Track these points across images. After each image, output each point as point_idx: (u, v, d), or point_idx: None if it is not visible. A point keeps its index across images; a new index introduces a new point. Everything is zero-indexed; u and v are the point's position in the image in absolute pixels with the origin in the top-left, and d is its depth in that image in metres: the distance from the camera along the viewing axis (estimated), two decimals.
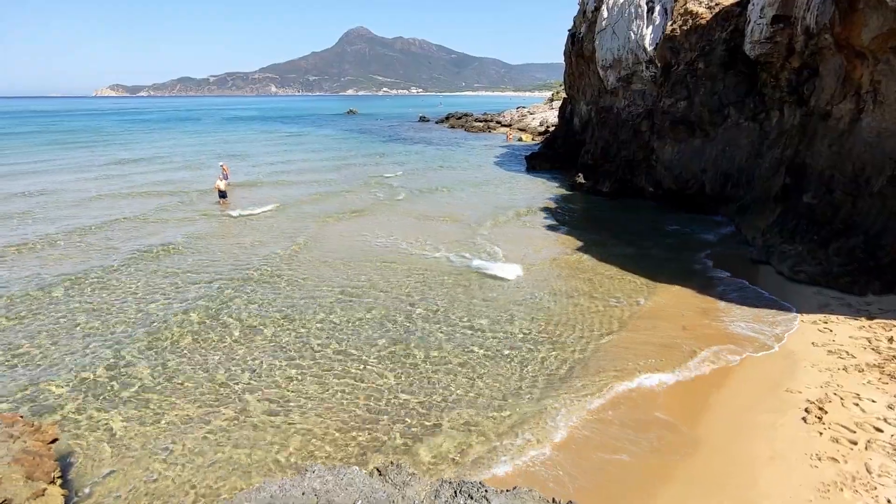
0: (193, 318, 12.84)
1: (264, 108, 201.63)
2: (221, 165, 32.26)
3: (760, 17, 19.86)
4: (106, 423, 8.82)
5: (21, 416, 7.89)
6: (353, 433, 8.58)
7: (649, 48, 27.15)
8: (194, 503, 7.13)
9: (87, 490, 7.37)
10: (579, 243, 19.13)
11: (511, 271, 16.11)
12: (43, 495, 6.17)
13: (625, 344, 11.53)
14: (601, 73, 32.46)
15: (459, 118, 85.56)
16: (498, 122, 74.32)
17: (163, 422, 8.89)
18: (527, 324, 12.60)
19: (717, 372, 10.22)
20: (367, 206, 25.72)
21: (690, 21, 24.50)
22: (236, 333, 12.12)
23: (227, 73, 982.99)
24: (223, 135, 72.11)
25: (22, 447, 6.81)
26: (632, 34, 28.38)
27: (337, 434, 8.56)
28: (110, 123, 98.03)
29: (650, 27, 27.42)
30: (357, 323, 12.68)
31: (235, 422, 8.88)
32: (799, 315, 12.56)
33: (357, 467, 5.16)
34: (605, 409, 9.10)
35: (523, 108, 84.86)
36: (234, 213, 24.21)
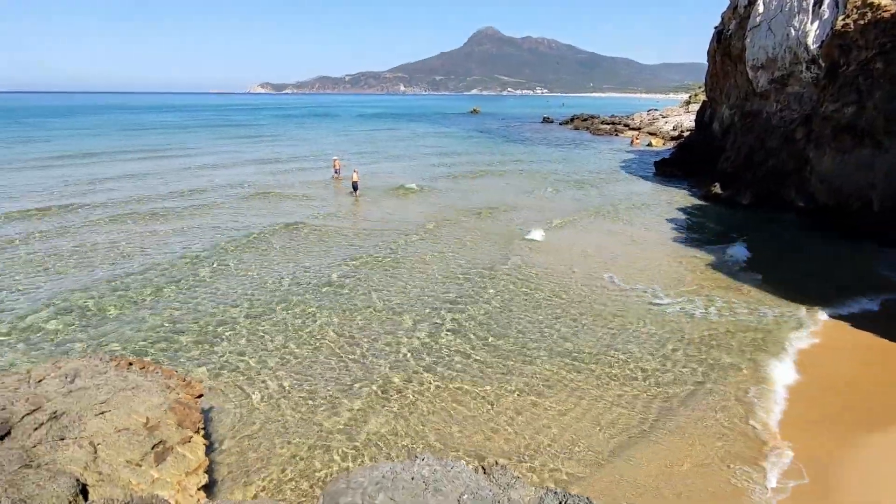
0: (343, 291, 14.34)
1: (392, 105, 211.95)
2: (334, 160, 34.34)
3: None
4: (245, 386, 9.81)
5: (176, 371, 9.03)
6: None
7: (813, 46, 24.11)
8: (315, 471, 7.66)
9: (224, 442, 8.25)
10: (711, 258, 17.56)
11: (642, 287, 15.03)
12: (189, 441, 6.99)
13: None
14: (750, 73, 29.49)
15: (585, 120, 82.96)
16: (626, 126, 70.91)
17: (301, 389, 9.67)
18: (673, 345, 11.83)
19: None
20: (477, 207, 25.38)
21: (869, 14, 21.30)
22: (380, 313, 12.83)
23: (360, 73, 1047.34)
24: (355, 133, 76.87)
25: (175, 398, 7.77)
26: (792, 30, 25.40)
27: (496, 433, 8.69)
28: (264, 118, 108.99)
29: (816, 22, 24.33)
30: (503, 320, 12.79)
31: (375, 396, 9.39)
32: None
33: (464, 462, 5.18)
34: None
35: (655, 110, 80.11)
36: (417, 187, 28.13)
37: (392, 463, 4.37)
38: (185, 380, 8.80)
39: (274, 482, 7.49)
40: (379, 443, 8.31)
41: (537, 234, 20.21)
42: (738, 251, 18.41)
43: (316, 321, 12.43)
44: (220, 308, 13.18)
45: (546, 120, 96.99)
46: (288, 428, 8.64)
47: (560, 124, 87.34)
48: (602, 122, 78.00)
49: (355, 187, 27.66)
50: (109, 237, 18.86)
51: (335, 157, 34.61)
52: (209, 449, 7.63)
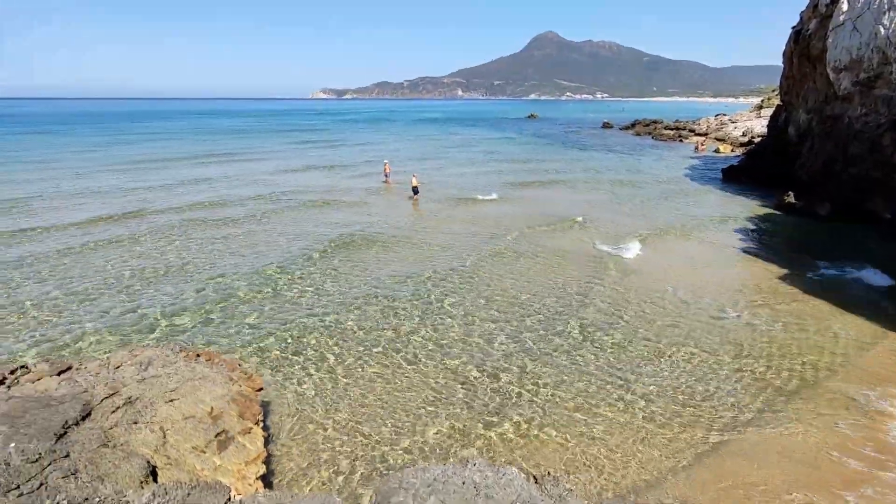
0: (416, 298, 14.23)
1: (450, 110, 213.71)
2: (385, 163, 34.83)
3: None
4: (304, 383, 10.13)
5: (240, 364, 9.44)
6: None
7: None
8: (367, 469, 7.80)
9: (281, 435, 8.55)
10: (784, 271, 16.50)
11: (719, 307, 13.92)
12: (249, 432, 7.28)
13: None
14: (831, 75, 27.60)
15: (647, 125, 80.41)
16: (691, 131, 68.08)
17: (359, 392, 9.89)
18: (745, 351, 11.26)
19: None
20: (550, 220, 23.86)
21: None
22: (458, 319, 12.96)
23: (419, 78, 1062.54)
24: (413, 138, 77.99)
25: (238, 390, 8.12)
26: (881, 28, 23.57)
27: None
28: (327, 123, 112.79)
29: None
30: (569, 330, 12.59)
31: (433, 404, 9.49)
32: None
33: (517, 469, 5.10)
34: None
35: (723, 115, 76.51)
36: (486, 198, 27.33)
37: (444, 466, 4.37)
38: (246, 373, 9.18)
39: (327, 477, 7.67)
40: (432, 446, 8.35)
41: (624, 251, 18.68)
42: (871, 275, 16.01)
43: (381, 336, 12.37)
44: (282, 306, 13.68)
45: (606, 125, 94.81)
46: (343, 427, 8.83)
47: (620, 129, 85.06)
48: (665, 128, 75.28)
49: (415, 191, 27.93)
50: (182, 241, 19.85)
51: (385, 161, 35.18)
52: (267, 441, 7.90)
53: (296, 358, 11.08)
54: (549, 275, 16.43)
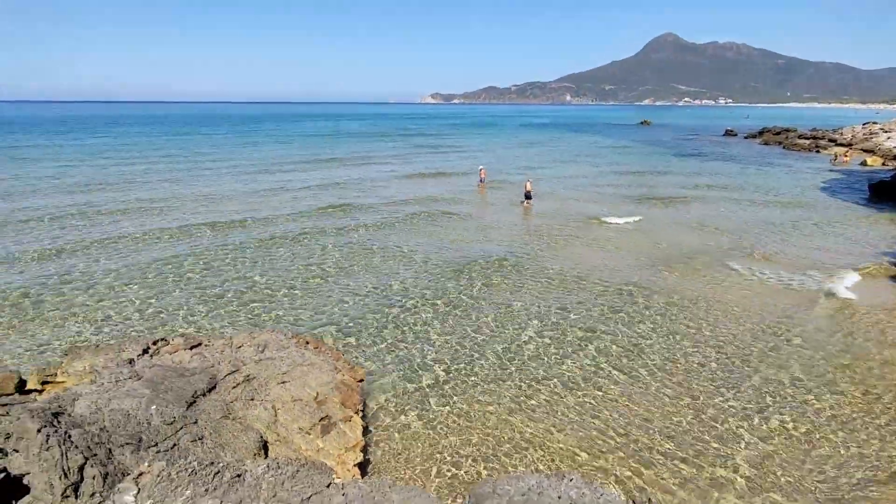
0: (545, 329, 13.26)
1: (558, 115, 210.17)
2: (480, 169, 34.79)
3: None
4: (407, 378, 10.48)
5: (343, 355, 9.97)
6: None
7: None
8: (461, 470, 7.88)
9: (378, 426, 8.89)
10: None
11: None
12: (350, 421, 7.66)
13: None
14: None
15: (777, 133, 73.21)
16: (832, 141, 60.86)
17: (461, 392, 10.08)
18: None
19: None
20: (697, 248, 20.05)
21: None
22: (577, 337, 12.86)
23: (527, 83, 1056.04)
24: (521, 144, 77.66)
25: (341, 379, 8.58)
26: None
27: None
28: (437, 128, 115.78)
29: None
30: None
31: (537, 410, 9.46)
32: None
33: (616, 491, 4.88)
34: None
35: (873, 123, 67.49)
36: (612, 222, 24.03)
37: (540, 476, 4.28)
38: (349, 363, 9.68)
39: (421, 471, 7.84)
40: (528, 452, 8.24)
41: (837, 288, 15.26)
42: None
43: (510, 363, 12.13)
44: (387, 308, 14.27)
45: (729, 133, 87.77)
46: (440, 424, 8.99)
47: (745, 138, 78.23)
48: (799, 137, 67.99)
49: (528, 196, 27.75)
50: (310, 244, 20.25)
51: (481, 167, 35.29)
52: (364, 430, 8.25)
53: (403, 356, 11.48)
54: (747, 324, 13.12)
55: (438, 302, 14.31)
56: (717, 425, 8.97)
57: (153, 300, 14.27)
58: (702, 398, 9.86)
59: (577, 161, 51.13)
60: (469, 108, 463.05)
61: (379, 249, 19.31)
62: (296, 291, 15.03)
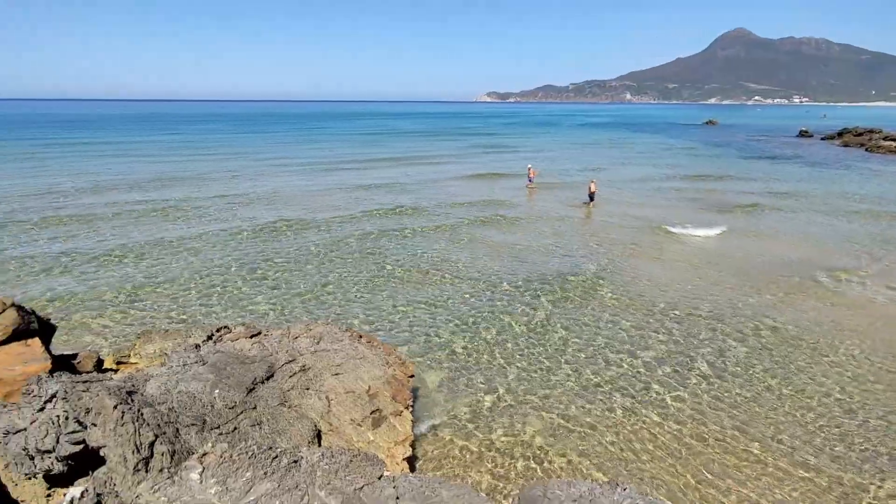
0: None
1: (617, 115, 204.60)
2: (529, 168, 34.14)
3: None
4: (460, 377, 10.53)
5: (395, 350, 10.11)
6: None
7: None
8: (510, 471, 7.83)
9: (427, 422, 8.98)
10: None
11: None
12: (400, 415, 7.76)
13: None
14: None
15: (859, 135, 68.08)
16: None
17: (520, 393, 10.05)
18: None
19: None
20: (789, 270, 17.56)
21: None
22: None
23: (585, 81, 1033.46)
24: (580, 144, 76.17)
25: (392, 374, 8.70)
26: None
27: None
28: (494, 127, 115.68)
29: None
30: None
31: (595, 420, 9.32)
32: None
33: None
34: None
35: None
36: (675, 230, 22.25)
37: (592, 484, 4.18)
38: (400, 359, 9.80)
39: (469, 470, 7.85)
40: (582, 460, 8.09)
41: None
42: None
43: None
44: (448, 315, 14.37)
45: (803, 133, 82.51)
46: (491, 424, 8.98)
47: (822, 139, 73.27)
48: (885, 138, 62.96)
49: (591, 198, 27.30)
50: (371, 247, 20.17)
51: (529, 166, 34.68)
52: (414, 424, 8.34)
53: (457, 353, 11.54)
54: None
55: (504, 317, 14.19)
56: None
57: (217, 288, 15.03)
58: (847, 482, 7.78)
59: (639, 163, 49.13)
60: (525, 106, 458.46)
61: (435, 253, 19.24)
62: (351, 290, 15.40)
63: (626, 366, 10.98)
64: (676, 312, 13.85)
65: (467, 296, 14.93)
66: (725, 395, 9.93)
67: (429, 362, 11.09)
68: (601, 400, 9.72)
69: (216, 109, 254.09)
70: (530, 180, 33.22)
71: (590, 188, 27.45)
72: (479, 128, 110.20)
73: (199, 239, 20.21)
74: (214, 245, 19.35)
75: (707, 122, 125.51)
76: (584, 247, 20.29)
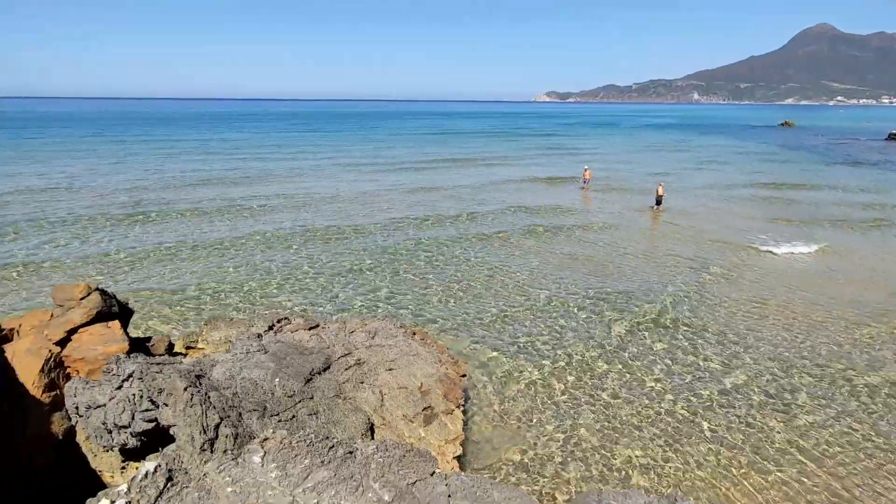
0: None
1: (684, 115, 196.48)
2: (585, 169, 33.19)
3: None
4: (513, 379, 10.47)
5: (448, 349, 10.15)
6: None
7: None
8: (563, 476, 7.70)
9: (478, 422, 8.96)
10: None
11: None
12: (451, 413, 7.78)
13: None
14: None
15: None
16: None
17: (576, 399, 9.90)
18: None
19: None
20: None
21: None
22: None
23: (650, 81, 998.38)
24: (634, 148, 73.76)
25: (444, 372, 8.73)
26: None
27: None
28: (554, 127, 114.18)
29: None
30: None
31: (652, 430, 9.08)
32: None
33: None
34: None
35: None
36: (778, 251, 19.75)
37: (648, 497, 4.03)
38: (453, 357, 9.82)
39: (520, 472, 7.77)
40: (638, 471, 7.84)
41: None
42: None
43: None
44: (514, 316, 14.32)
45: (893, 136, 76.17)
46: (544, 428, 8.86)
47: None
48: None
49: (658, 202, 26.66)
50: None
51: (585, 168, 33.78)
52: (465, 424, 8.34)
53: (509, 352, 11.47)
54: None
55: (566, 334, 14.01)
56: None
57: (276, 282, 15.67)
58: None
59: (708, 168, 45.98)
60: (586, 106, 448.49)
61: (497, 261, 18.54)
62: (406, 292, 15.56)
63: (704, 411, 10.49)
64: (805, 362, 11.40)
65: (523, 308, 14.42)
66: None
67: (479, 364, 11.06)
68: (677, 428, 9.35)
69: (282, 108, 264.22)
70: (586, 182, 32.49)
71: (657, 191, 26.67)
72: (538, 128, 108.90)
73: (263, 236, 21.10)
74: (277, 243, 20.19)
75: (782, 124, 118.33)
76: (655, 264, 18.28)
